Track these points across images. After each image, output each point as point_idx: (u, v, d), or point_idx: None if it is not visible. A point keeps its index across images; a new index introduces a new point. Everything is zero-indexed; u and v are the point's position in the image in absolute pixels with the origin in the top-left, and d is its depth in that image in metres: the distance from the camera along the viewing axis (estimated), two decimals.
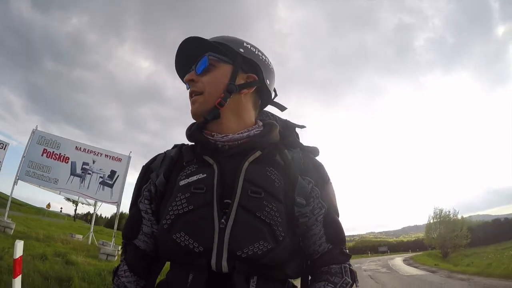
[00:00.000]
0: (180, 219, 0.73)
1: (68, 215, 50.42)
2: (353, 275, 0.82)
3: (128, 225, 0.90)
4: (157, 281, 0.90)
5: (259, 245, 0.70)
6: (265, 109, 1.01)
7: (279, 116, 1.02)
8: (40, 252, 7.11)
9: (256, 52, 0.90)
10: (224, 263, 0.70)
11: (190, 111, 0.87)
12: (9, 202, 10.42)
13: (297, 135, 0.99)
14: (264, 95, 0.95)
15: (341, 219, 0.88)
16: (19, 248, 3.35)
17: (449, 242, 32.89)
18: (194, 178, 0.78)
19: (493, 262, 16.47)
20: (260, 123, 0.91)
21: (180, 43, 0.87)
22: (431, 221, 37.60)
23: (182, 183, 0.79)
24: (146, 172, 0.91)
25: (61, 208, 54.65)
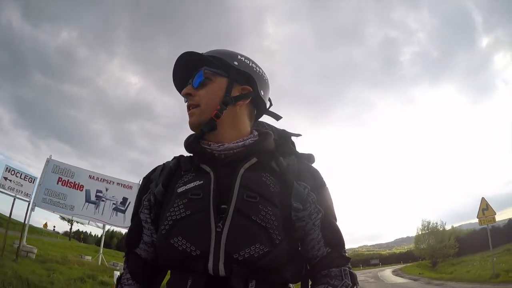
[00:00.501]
0: (178, 224, 0.76)
1: (58, 233, 50.50)
2: (353, 277, 0.82)
3: (130, 235, 0.93)
4: None
5: (255, 248, 0.72)
6: (262, 119, 1.05)
7: (275, 126, 1.06)
8: (75, 276, 8.02)
9: (250, 64, 0.93)
10: (221, 267, 0.71)
11: (188, 122, 0.90)
12: (26, 228, 10.92)
13: (293, 143, 1.01)
14: (259, 105, 0.98)
15: (339, 223, 0.90)
16: (116, 276, 3.95)
17: (438, 252, 33.79)
18: (192, 185, 0.81)
19: (471, 269, 17.97)
20: (256, 133, 0.93)
21: (176, 58, 0.90)
22: (420, 233, 38.82)
23: (180, 190, 0.81)
24: (146, 183, 0.94)
25: (54, 226, 54.70)
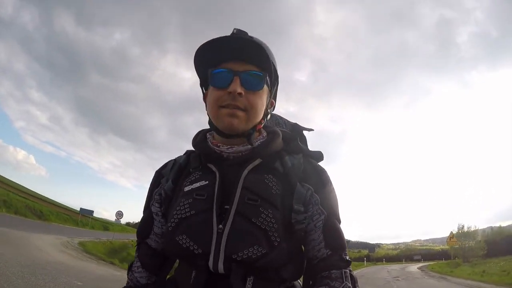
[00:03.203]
0: (183, 223, 0.79)
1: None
2: (353, 280, 0.82)
3: (141, 226, 0.97)
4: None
5: (253, 250, 0.74)
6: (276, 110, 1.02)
7: (288, 119, 1.07)
8: None
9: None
10: (221, 265, 0.75)
11: (220, 119, 0.84)
12: None
13: (303, 139, 1.02)
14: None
15: (343, 225, 0.89)
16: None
17: (468, 252, 37.95)
18: (197, 184, 0.83)
19: (486, 270, 20.85)
20: (264, 133, 0.93)
21: (225, 35, 0.83)
22: (454, 233, 43.12)
23: (186, 189, 0.84)
24: (158, 177, 0.97)
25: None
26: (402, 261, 65.47)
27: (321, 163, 0.97)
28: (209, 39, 0.83)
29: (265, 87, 0.86)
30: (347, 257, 0.86)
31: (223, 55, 0.85)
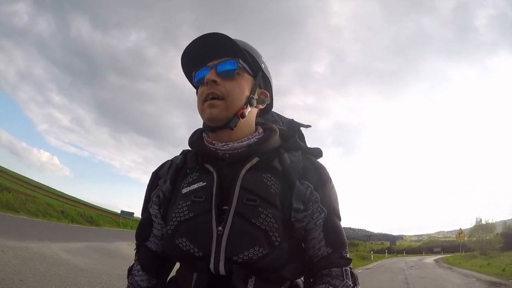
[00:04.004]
0: (182, 226, 0.78)
1: None
2: (354, 278, 0.82)
3: (140, 229, 0.95)
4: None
5: (254, 251, 0.73)
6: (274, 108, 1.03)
7: (284, 116, 1.04)
8: None
9: (268, 69, 0.93)
10: (222, 267, 0.74)
11: (203, 113, 0.84)
12: None
13: (301, 135, 0.99)
14: (268, 109, 0.99)
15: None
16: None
17: (485, 245, 39.08)
18: (195, 186, 0.82)
19: (491, 262, 22.11)
20: (260, 130, 0.92)
21: (202, 34, 0.83)
22: (472, 227, 44.55)
23: (184, 191, 0.82)
24: (155, 178, 0.95)
25: None
26: (422, 253, 66.71)
27: (320, 160, 0.94)
28: (184, 48, 0.85)
29: (245, 74, 0.86)
30: (348, 255, 0.85)
31: (201, 56, 0.86)
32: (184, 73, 0.93)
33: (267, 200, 0.78)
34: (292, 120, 1.02)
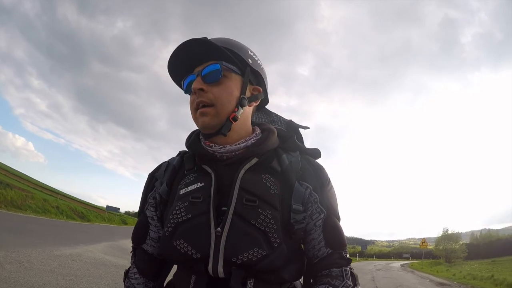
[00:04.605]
0: (180, 227, 0.76)
1: None
2: (354, 278, 0.81)
3: (136, 231, 0.93)
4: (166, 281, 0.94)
5: (253, 252, 0.72)
6: (270, 107, 1.02)
7: (283, 116, 1.03)
8: None
9: (258, 62, 0.90)
10: (220, 269, 0.73)
11: (197, 121, 0.84)
12: None
13: (299, 136, 0.98)
14: (263, 103, 0.98)
15: (343, 223, 0.87)
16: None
17: (450, 254, 40.95)
18: (193, 187, 0.80)
19: (450, 269, 24.79)
20: (258, 131, 0.90)
21: (181, 42, 0.81)
22: (439, 236, 46.64)
23: (181, 192, 0.81)
24: (151, 180, 0.93)
25: None
26: (392, 258, 69.31)
27: (318, 160, 0.94)
28: (171, 54, 0.84)
29: (232, 75, 0.84)
30: (348, 255, 0.85)
31: (187, 64, 0.85)
32: (175, 82, 0.92)
33: (266, 201, 0.77)
34: (291, 121, 1.01)
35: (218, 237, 0.74)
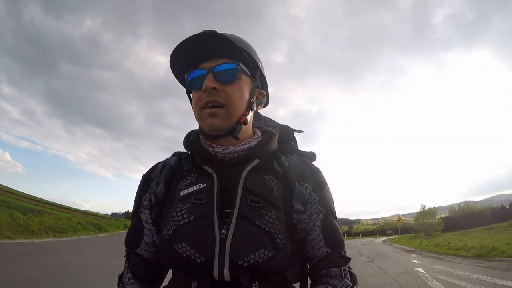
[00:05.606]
0: (181, 230, 0.74)
1: None
2: (353, 277, 0.81)
3: (130, 235, 0.90)
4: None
5: (259, 254, 0.71)
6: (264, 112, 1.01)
7: (277, 121, 1.02)
8: None
9: (262, 64, 0.89)
10: (227, 272, 0.71)
11: (203, 122, 0.81)
12: None
13: (294, 140, 0.98)
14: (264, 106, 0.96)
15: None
16: None
17: (428, 228, 43.59)
18: (194, 188, 0.78)
19: (424, 242, 26.67)
20: (259, 133, 0.90)
21: (194, 34, 0.77)
22: (418, 212, 49.88)
23: (182, 193, 0.78)
24: (146, 181, 0.90)
25: None
26: (376, 235, 72.84)
27: (314, 163, 0.94)
28: (177, 44, 0.79)
29: (244, 77, 0.82)
30: (346, 254, 0.85)
31: (194, 56, 0.81)
32: (174, 75, 0.87)
33: (270, 201, 0.77)
34: (286, 126, 1.00)
35: (223, 240, 0.72)
